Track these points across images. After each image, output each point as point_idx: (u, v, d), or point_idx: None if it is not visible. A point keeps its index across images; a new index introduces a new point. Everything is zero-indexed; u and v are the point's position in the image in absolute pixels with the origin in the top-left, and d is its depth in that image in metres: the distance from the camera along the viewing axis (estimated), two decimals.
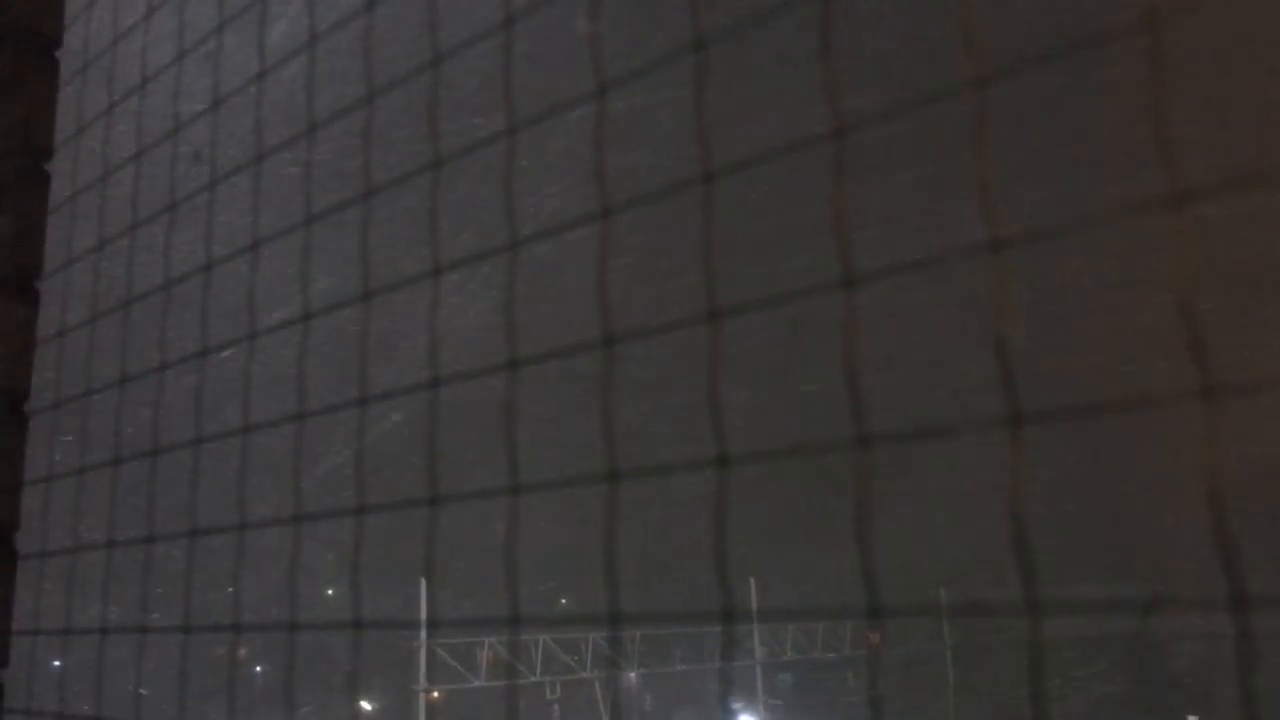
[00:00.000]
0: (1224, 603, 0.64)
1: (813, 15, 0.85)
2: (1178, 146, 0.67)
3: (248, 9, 1.55)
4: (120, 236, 1.76)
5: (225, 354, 1.43)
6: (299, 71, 1.41)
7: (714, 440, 0.86)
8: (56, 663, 1.80)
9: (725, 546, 0.78)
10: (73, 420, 1.80)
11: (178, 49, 1.68)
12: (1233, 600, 0.63)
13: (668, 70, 0.96)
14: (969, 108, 0.77)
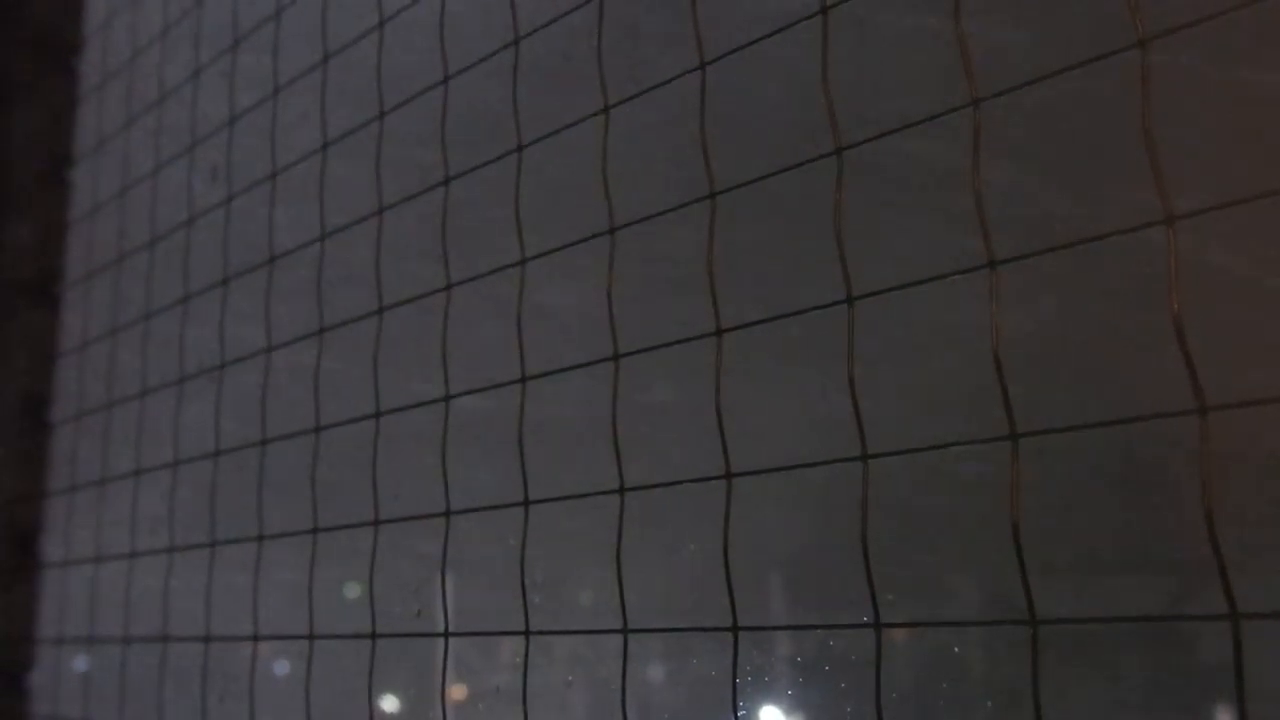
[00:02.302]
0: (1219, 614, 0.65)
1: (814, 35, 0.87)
2: (1169, 165, 0.68)
3: (263, 24, 1.58)
4: (139, 250, 1.79)
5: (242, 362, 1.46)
6: (313, 87, 1.44)
7: (721, 454, 0.88)
8: (81, 667, 1.84)
9: (730, 563, 0.80)
10: (95, 432, 1.83)
11: (194, 65, 1.71)
12: (1229, 612, 0.65)
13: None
14: (966, 126, 0.78)
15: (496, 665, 1.44)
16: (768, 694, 1.19)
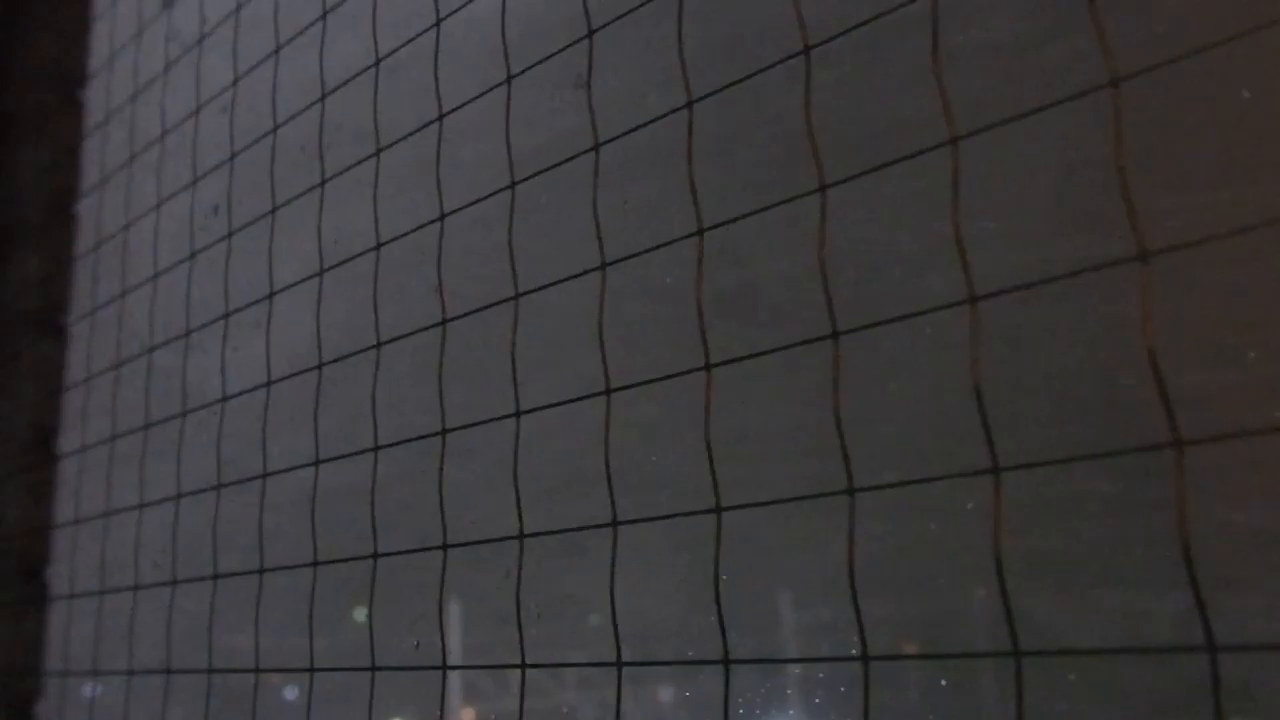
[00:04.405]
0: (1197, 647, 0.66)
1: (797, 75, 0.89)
2: (1142, 201, 0.69)
3: (263, 61, 1.60)
4: (141, 285, 1.81)
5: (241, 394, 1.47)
6: (312, 123, 1.46)
7: (711, 488, 0.89)
8: (87, 697, 1.85)
9: (721, 597, 0.81)
10: (99, 464, 1.84)
11: (195, 102, 1.73)
12: (1206, 645, 0.65)
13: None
14: (946, 167, 0.79)
15: (506, 685, 1.45)
16: (765, 714, 1.20)
